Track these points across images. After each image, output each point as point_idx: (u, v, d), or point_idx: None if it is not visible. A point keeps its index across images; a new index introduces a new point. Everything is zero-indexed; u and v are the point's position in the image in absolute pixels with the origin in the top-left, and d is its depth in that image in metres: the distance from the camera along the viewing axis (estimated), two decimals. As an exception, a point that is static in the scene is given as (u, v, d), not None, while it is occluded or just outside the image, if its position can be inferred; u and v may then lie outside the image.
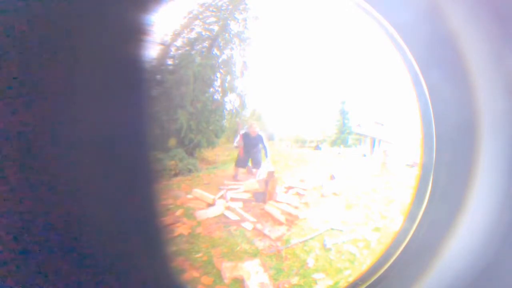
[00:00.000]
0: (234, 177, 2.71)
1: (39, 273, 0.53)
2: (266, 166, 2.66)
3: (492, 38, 0.68)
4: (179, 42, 2.53)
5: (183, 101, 2.51)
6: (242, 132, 2.71)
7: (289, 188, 2.70)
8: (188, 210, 2.24)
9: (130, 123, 0.59)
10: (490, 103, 0.70)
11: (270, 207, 2.43)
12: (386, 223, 2.41)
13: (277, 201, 2.51)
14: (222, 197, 2.44)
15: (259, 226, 2.25)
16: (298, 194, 2.65)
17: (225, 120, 2.84)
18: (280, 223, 2.31)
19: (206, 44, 2.66)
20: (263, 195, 2.50)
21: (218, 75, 2.72)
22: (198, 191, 2.38)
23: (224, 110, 2.81)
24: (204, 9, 2.63)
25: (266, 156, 2.71)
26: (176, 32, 2.45)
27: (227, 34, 2.71)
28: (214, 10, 2.70)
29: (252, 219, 2.29)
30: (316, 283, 1.89)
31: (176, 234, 2.01)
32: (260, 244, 2.09)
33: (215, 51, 2.70)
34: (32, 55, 0.50)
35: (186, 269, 1.80)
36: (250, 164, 2.74)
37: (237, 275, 1.84)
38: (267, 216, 2.36)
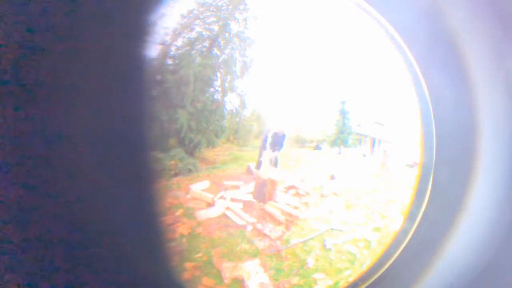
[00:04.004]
0: (249, 172, 2.71)
1: (40, 273, 0.53)
2: (272, 170, 2.66)
3: (492, 38, 0.68)
4: (179, 42, 2.53)
5: (183, 101, 2.51)
6: (271, 133, 2.72)
7: (289, 188, 2.70)
8: (188, 210, 2.24)
9: (130, 123, 0.59)
10: (490, 103, 0.70)
11: (270, 207, 2.43)
12: (386, 223, 2.41)
13: (277, 201, 2.51)
14: (222, 197, 2.44)
15: (259, 226, 2.25)
16: (298, 194, 2.65)
17: (225, 120, 2.84)
18: (280, 223, 2.31)
19: (206, 44, 2.67)
20: (263, 195, 2.50)
21: (218, 75, 2.72)
22: (197, 190, 2.39)
23: (224, 110, 2.81)
24: (204, 9, 2.63)
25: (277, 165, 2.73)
26: (176, 32, 2.45)
27: (227, 34, 2.71)
28: (214, 10, 2.70)
29: (252, 219, 2.29)
30: (316, 283, 1.89)
31: (176, 234, 2.01)
32: (260, 244, 2.09)
33: (215, 51, 2.71)
34: (33, 55, 0.50)
35: (186, 269, 1.80)
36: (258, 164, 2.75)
37: (237, 275, 1.84)
38: (267, 216, 2.36)
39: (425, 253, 0.78)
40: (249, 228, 2.22)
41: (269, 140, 2.70)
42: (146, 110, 0.63)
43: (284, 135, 2.73)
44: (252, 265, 1.91)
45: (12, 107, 0.50)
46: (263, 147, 2.69)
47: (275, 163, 2.70)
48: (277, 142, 2.71)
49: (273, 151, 2.69)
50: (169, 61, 2.47)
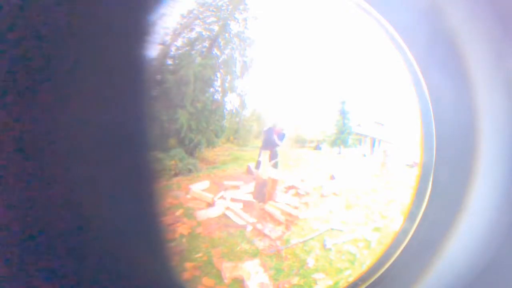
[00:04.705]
0: (249, 172, 2.72)
1: (39, 272, 0.53)
2: (270, 169, 2.66)
3: (492, 38, 0.68)
4: (179, 42, 2.53)
5: (183, 101, 2.51)
6: (268, 130, 2.72)
7: (289, 188, 2.70)
8: (188, 210, 2.24)
9: (130, 123, 0.59)
10: (490, 103, 0.70)
11: (270, 207, 2.43)
12: (386, 223, 2.41)
13: (277, 201, 2.51)
14: (222, 197, 2.44)
15: (259, 226, 2.25)
16: (298, 194, 2.65)
17: (225, 120, 2.84)
18: (280, 223, 2.31)
19: (206, 44, 2.67)
20: (263, 195, 2.50)
21: (218, 75, 2.72)
22: (197, 190, 2.39)
23: (224, 110, 2.81)
24: (204, 9, 2.63)
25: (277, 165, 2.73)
26: (176, 32, 2.45)
27: (227, 34, 2.71)
28: (214, 10, 2.70)
29: (252, 219, 2.29)
30: (316, 283, 1.89)
31: (176, 234, 2.01)
32: (260, 244, 2.09)
33: (215, 51, 2.71)
34: (33, 55, 0.50)
35: (186, 269, 1.80)
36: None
37: (237, 275, 1.84)
38: (267, 216, 2.36)
39: (425, 253, 0.78)
40: (249, 228, 2.22)
41: (266, 137, 2.70)
42: (146, 110, 0.63)
43: (283, 133, 2.74)
44: (252, 265, 1.91)
45: (11, 108, 0.50)
46: (262, 147, 2.70)
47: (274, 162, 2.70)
48: (276, 138, 2.72)
49: (272, 148, 2.69)
50: (169, 61, 2.47)
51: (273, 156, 2.72)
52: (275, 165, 2.66)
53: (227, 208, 2.34)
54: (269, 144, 2.70)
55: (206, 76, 2.59)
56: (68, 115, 0.53)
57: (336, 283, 1.90)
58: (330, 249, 2.13)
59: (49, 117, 0.52)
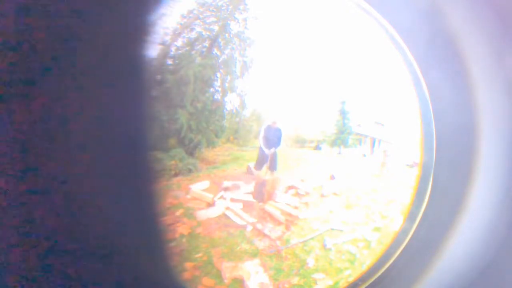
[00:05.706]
0: (249, 172, 2.72)
1: (38, 272, 0.53)
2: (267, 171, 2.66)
3: (492, 38, 0.68)
4: (179, 42, 2.53)
5: (183, 101, 2.51)
6: (264, 126, 2.71)
7: (289, 188, 2.70)
8: (188, 210, 2.24)
9: (131, 123, 0.59)
10: (490, 103, 0.70)
11: (270, 207, 2.43)
12: (386, 223, 2.41)
13: (277, 201, 2.51)
14: (222, 197, 2.44)
15: (259, 226, 2.25)
16: (298, 194, 2.65)
17: (225, 120, 2.85)
18: (280, 223, 2.31)
19: (206, 44, 2.67)
20: (263, 195, 2.50)
21: (218, 75, 2.72)
22: (197, 190, 2.39)
23: (224, 110, 2.82)
24: (204, 9, 2.63)
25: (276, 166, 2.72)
26: (176, 32, 2.45)
27: (227, 34, 2.71)
28: (214, 10, 2.71)
29: (252, 219, 2.29)
30: (316, 283, 1.89)
31: (176, 234, 2.01)
32: (260, 244, 2.10)
33: (215, 51, 2.71)
34: (32, 55, 0.50)
35: (186, 269, 1.81)
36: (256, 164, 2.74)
37: (237, 275, 1.84)
38: (267, 216, 2.36)
39: (425, 253, 0.78)
40: (249, 228, 2.22)
41: (263, 135, 2.69)
42: (146, 110, 0.63)
43: (279, 129, 2.72)
44: (252, 265, 1.91)
45: (11, 107, 0.50)
46: (265, 146, 2.69)
47: (273, 161, 2.69)
48: (273, 137, 2.70)
49: (270, 148, 2.69)
50: (169, 61, 2.47)
51: (274, 155, 2.72)
52: (273, 160, 2.66)
53: (227, 208, 2.34)
54: (272, 144, 2.69)
55: (206, 76, 2.59)
56: (68, 114, 0.53)
57: (336, 283, 1.90)
58: (330, 249, 2.13)
59: (49, 116, 0.52)
